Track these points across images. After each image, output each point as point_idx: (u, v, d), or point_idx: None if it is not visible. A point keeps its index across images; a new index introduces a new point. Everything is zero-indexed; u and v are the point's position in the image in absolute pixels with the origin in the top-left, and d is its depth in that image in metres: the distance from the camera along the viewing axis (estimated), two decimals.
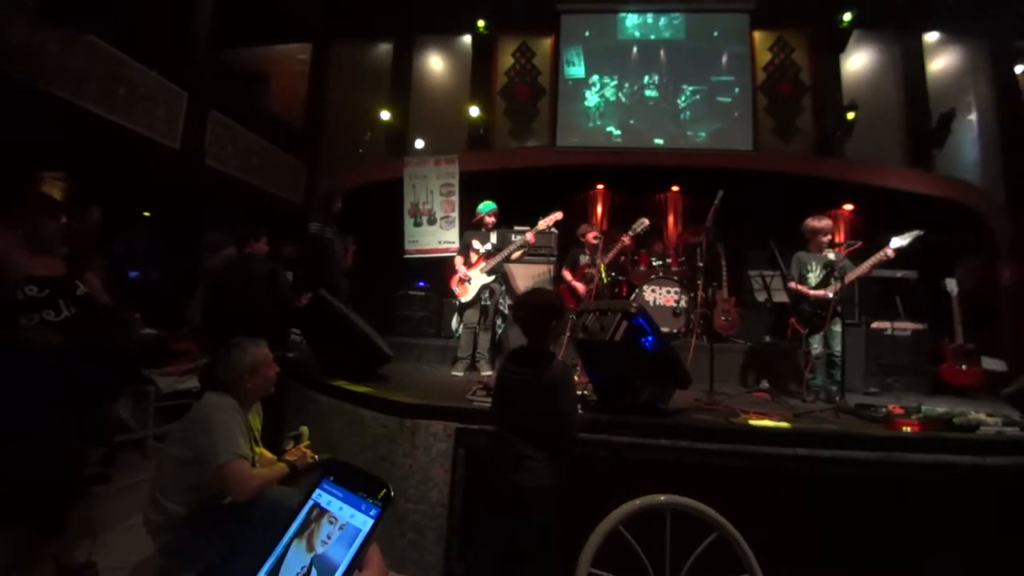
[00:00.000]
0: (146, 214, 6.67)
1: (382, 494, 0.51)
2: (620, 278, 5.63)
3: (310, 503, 0.51)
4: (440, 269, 6.24)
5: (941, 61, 6.89)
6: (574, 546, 1.26)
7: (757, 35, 7.12)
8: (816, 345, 3.84)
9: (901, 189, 6.51)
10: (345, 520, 0.50)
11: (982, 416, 2.77)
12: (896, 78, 6.89)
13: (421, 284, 6.36)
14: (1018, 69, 6.81)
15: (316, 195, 7.06)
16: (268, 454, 2.20)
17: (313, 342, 3.89)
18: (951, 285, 5.16)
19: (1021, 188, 6.41)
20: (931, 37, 6.90)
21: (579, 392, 3.06)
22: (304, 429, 2.34)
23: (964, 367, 4.85)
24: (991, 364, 5.00)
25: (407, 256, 6.66)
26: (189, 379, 3.92)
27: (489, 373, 4.37)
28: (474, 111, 6.90)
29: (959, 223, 6.35)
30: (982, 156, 6.64)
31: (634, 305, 2.74)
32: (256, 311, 3.37)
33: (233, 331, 2.20)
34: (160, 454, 2.13)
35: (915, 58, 6.84)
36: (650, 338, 2.71)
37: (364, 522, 0.49)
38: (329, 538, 0.49)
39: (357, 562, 0.47)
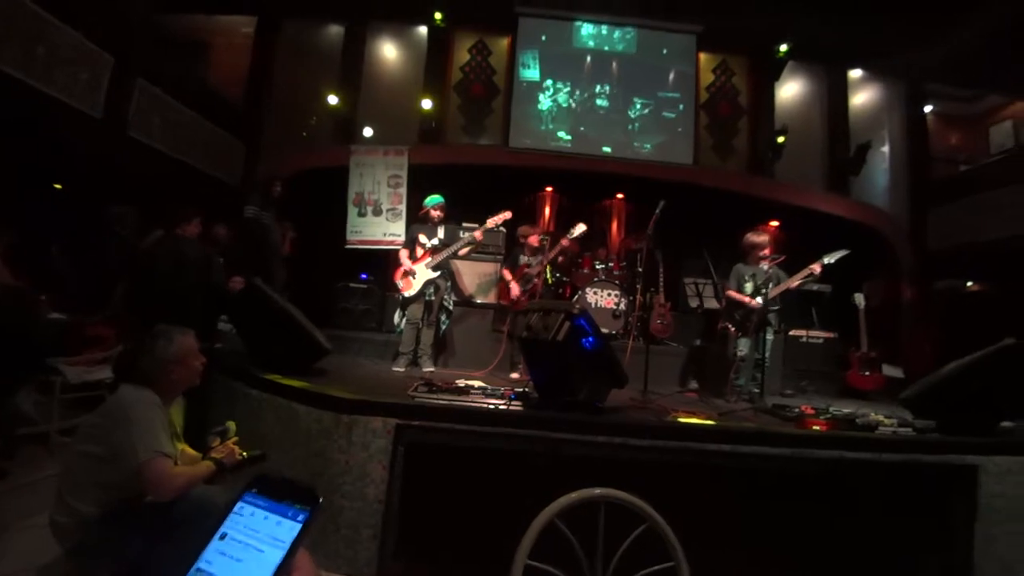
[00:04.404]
0: (57, 187, 6.05)
1: (310, 500, 0.51)
2: (564, 279, 5.75)
3: (231, 517, 0.50)
4: (384, 262, 6.11)
5: (862, 96, 7.58)
6: (512, 539, 1.28)
7: (702, 56, 7.50)
8: (743, 349, 4.11)
9: (822, 211, 7.10)
10: (271, 529, 0.49)
11: (881, 417, 3.09)
12: (822, 108, 7.51)
13: (364, 276, 6.20)
14: (927, 108, 7.61)
15: (254, 178, 6.69)
16: (191, 451, 2.07)
17: (245, 333, 3.70)
18: (859, 299, 5.68)
19: (923, 216, 7.18)
20: (855, 73, 7.56)
21: (522, 390, 3.12)
22: (231, 424, 2.22)
23: (867, 373, 5.37)
24: (891, 371, 5.57)
25: (349, 247, 6.46)
26: (100, 369, 3.60)
27: (431, 369, 4.34)
28: (427, 104, 6.81)
29: (869, 244, 7.00)
30: (891, 185, 7.38)
31: (577, 306, 2.82)
32: (187, 298, 3.16)
33: (159, 319, 2.06)
34: (66, 450, 1.94)
35: (840, 91, 7.48)
36: (591, 338, 2.79)
37: (292, 528, 0.49)
38: (255, 548, 0.48)
39: (285, 568, 0.47)
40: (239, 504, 0.51)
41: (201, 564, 0.47)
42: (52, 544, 1.73)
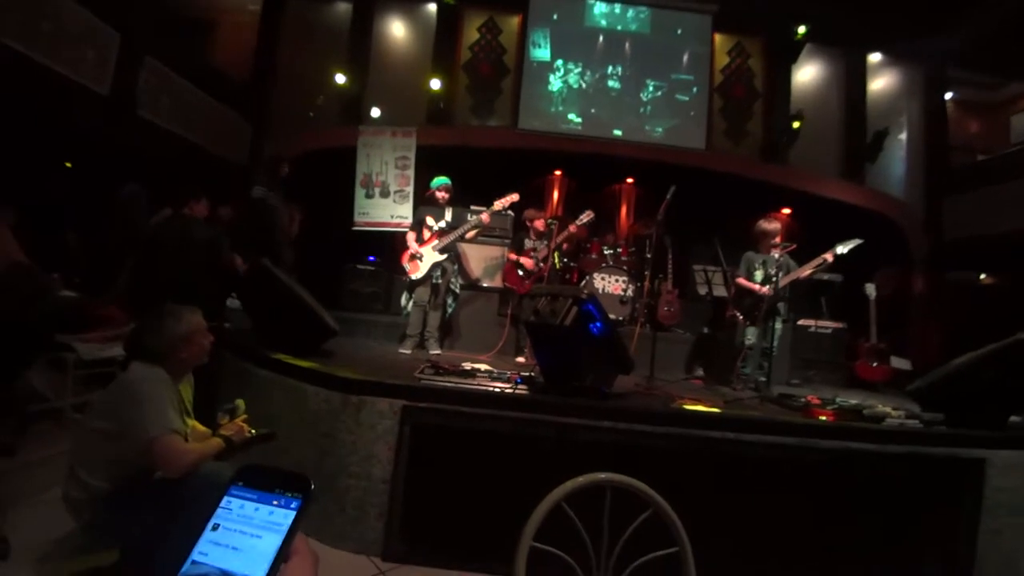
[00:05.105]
0: (68, 165, 6.06)
1: (302, 486, 0.49)
2: (572, 265, 5.72)
3: (219, 511, 0.49)
4: (392, 244, 6.10)
5: (881, 81, 7.39)
6: (517, 522, 1.29)
7: (718, 38, 7.33)
8: (751, 337, 4.09)
9: (836, 199, 6.99)
10: (264, 517, 0.48)
11: (888, 409, 3.06)
12: (839, 93, 7.33)
13: (371, 259, 6.20)
14: (947, 95, 7.42)
15: (261, 158, 6.68)
16: (200, 427, 2.10)
17: (254, 313, 3.72)
18: (870, 290, 5.61)
19: (938, 206, 7.05)
20: (874, 58, 7.37)
21: (528, 374, 3.12)
22: (240, 402, 2.24)
23: (876, 364, 5.33)
24: (899, 363, 5.52)
25: (356, 228, 6.45)
26: (113, 347, 3.64)
27: (437, 352, 4.35)
28: (435, 84, 6.72)
29: (882, 233, 6.89)
30: (908, 174, 7.23)
31: (584, 291, 2.81)
32: (194, 278, 3.17)
33: (167, 298, 2.07)
34: (78, 426, 1.97)
35: (858, 76, 7.30)
36: (598, 324, 2.78)
37: (286, 515, 0.48)
38: (251, 535, 0.47)
39: (283, 554, 0.46)
40: (225, 499, 0.49)
41: (196, 556, 0.46)
42: (65, 519, 1.76)
